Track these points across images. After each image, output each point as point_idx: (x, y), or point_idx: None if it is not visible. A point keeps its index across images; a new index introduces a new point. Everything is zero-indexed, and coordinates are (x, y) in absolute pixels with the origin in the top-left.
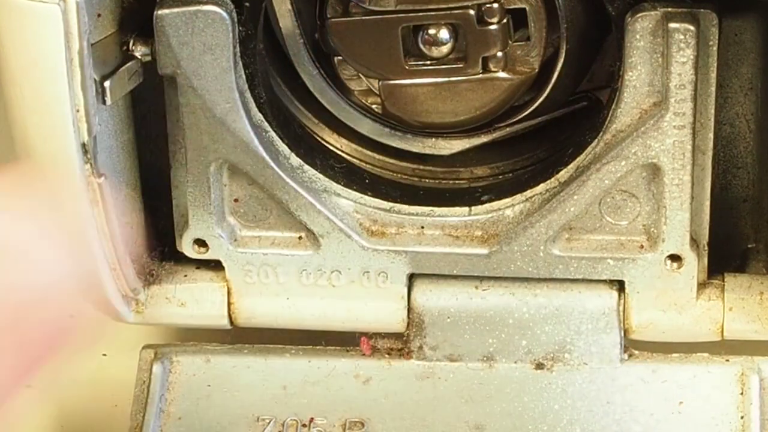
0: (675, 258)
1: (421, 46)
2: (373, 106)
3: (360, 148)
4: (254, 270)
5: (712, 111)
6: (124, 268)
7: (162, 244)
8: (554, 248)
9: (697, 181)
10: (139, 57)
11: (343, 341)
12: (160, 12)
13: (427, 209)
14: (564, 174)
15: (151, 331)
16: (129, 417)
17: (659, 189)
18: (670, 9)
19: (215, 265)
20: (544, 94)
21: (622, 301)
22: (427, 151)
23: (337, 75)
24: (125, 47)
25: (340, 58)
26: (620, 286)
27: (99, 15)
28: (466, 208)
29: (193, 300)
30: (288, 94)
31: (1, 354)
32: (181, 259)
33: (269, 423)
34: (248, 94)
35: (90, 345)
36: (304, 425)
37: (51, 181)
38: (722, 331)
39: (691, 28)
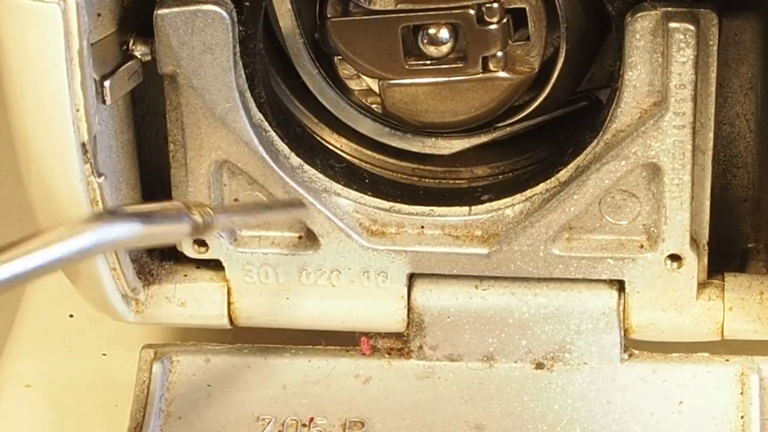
0: (675, 258)
1: (421, 45)
2: (373, 106)
3: (360, 148)
4: (254, 270)
5: (712, 111)
6: (124, 268)
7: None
8: (554, 248)
9: (697, 181)
10: (139, 56)
11: (343, 341)
12: (160, 12)
13: (427, 209)
14: (564, 174)
15: (151, 331)
16: (129, 417)
17: (659, 189)
18: (670, 9)
19: (215, 265)
20: (544, 94)
21: (622, 300)
22: (427, 150)
23: (337, 75)
24: (125, 47)
25: (340, 57)
26: (620, 285)
27: (99, 15)
28: (466, 208)
29: (193, 300)
30: (288, 94)
31: None
32: (181, 259)
33: (269, 423)
34: (248, 94)
35: None
36: (304, 425)
37: (51, 181)
38: (722, 331)
39: (691, 27)
